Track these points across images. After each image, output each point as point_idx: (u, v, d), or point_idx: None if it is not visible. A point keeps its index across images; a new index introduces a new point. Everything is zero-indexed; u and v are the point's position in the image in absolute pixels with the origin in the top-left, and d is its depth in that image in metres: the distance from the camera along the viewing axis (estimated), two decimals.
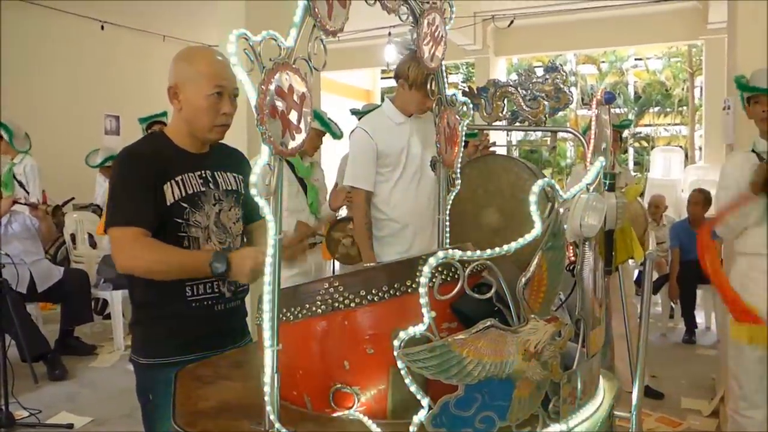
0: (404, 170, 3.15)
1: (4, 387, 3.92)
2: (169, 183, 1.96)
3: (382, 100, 15.92)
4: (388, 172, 3.15)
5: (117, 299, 5.81)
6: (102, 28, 8.99)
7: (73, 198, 7.66)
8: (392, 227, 3.19)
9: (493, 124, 3.26)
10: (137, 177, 1.95)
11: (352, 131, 3.26)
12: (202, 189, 2.02)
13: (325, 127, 4.19)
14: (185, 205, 1.97)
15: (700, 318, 6.39)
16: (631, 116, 19.73)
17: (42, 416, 4.12)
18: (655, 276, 6.40)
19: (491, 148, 3.85)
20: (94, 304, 6.23)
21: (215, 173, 2.08)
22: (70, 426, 4.07)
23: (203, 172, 2.05)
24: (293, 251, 2.78)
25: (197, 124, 2.00)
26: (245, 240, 2.19)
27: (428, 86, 2.06)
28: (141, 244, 1.89)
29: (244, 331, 2.18)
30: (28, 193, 6.48)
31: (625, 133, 19.44)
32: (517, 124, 3.19)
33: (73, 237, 7.32)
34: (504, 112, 3.17)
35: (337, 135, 4.36)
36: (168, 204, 1.95)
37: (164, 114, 6.15)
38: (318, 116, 4.09)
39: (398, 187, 3.16)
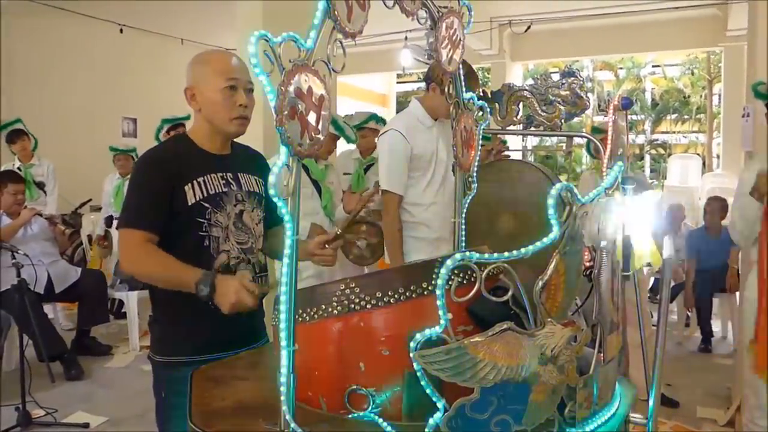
0: (434, 174, 3.14)
1: (21, 386, 3.95)
2: (190, 184, 1.98)
3: (398, 104, 15.85)
4: (419, 176, 3.13)
5: (133, 300, 5.85)
6: (121, 31, 9.07)
7: (90, 200, 7.75)
8: (421, 230, 3.18)
9: (508, 128, 3.25)
10: (150, 181, 2.00)
11: (384, 132, 3.21)
12: (224, 190, 2.05)
13: (339, 131, 4.19)
14: (207, 205, 2.00)
15: (716, 327, 6.33)
16: (648, 123, 19.61)
17: (58, 415, 4.15)
18: (672, 284, 6.35)
19: (505, 153, 3.85)
20: (111, 305, 6.28)
21: (238, 174, 2.11)
22: (86, 425, 4.10)
23: (225, 173, 2.07)
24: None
25: (216, 118, 2.03)
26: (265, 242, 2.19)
27: (446, 90, 2.06)
28: (144, 249, 1.93)
29: (262, 332, 2.18)
30: (45, 194, 6.57)
31: (641, 139, 19.25)
32: (532, 128, 3.18)
33: (90, 238, 7.39)
34: (518, 117, 3.16)
35: (351, 139, 4.35)
36: (189, 204, 1.97)
37: (188, 117, 6.18)
38: (332, 120, 4.09)
39: (428, 191, 3.15)
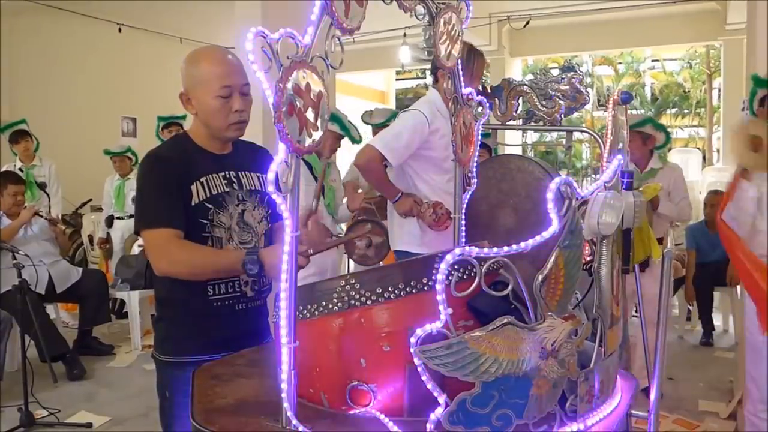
0: (452, 167, 3.12)
1: (23, 386, 3.96)
2: (195, 184, 1.97)
3: (397, 101, 15.76)
4: (435, 169, 3.12)
5: (134, 299, 5.86)
6: (119, 30, 9.06)
7: (90, 200, 7.76)
8: None
9: (508, 123, 3.25)
10: (166, 179, 1.97)
11: (407, 110, 3.18)
12: (226, 189, 2.03)
13: (344, 131, 4.18)
14: (210, 205, 1.98)
15: (717, 320, 6.33)
16: None
17: (61, 415, 4.16)
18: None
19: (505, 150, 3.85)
20: (112, 305, 6.29)
21: (239, 173, 2.09)
22: (89, 425, 4.11)
23: (227, 172, 2.06)
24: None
25: (212, 125, 2.01)
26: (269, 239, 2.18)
27: (445, 85, 2.06)
28: (176, 246, 1.90)
29: (266, 330, 2.16)
30: (48, 195, 6.58)
31: None
32: (532, 123, 3.18)
33: (90, 238, 7.40)
34: (518, 112, 3.16)
35: (355, 139, 4.34)
36: (193, 205, 1.96)
37: (184, 117, 6.19)
38: (338, 119, 4.09)
39: (447, 184, 3.13)
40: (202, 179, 2.00)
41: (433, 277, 1.32)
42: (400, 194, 3.14)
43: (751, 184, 3.05)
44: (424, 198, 3.16)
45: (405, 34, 9.77)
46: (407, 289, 1.36)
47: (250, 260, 1.81)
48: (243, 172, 2.10)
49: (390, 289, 1.36)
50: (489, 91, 3.21)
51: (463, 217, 2.21)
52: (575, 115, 3.27)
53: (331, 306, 1.40)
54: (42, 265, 5.10)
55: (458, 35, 1.91)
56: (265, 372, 1.70)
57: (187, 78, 2.00)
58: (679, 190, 4.45)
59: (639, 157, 4.47)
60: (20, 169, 6.54)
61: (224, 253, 1.94)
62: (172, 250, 1.90)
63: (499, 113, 3.21)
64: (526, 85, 3.14)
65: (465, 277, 1.31)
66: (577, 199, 1.26)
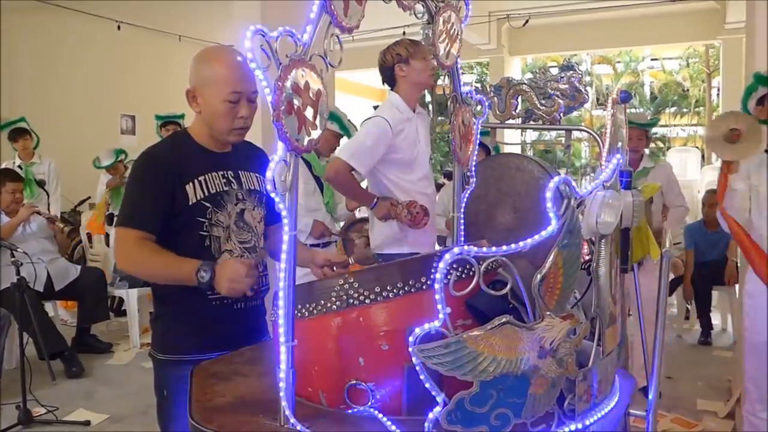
0: (419, 166, 3.14)
1: (22, 384, 3.95)
2: (191, 183, 1.97)
3: None
4: (403, 170, 3.12)
5: (133, 297, 5.85)
6: (118, 28, 9.04)
7: (89, 197, 7.75)
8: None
9: (507, 122, 3.25)
10: (149, 180, 1.98)
11: (370, 117, 3.15)
12: (225, 189, 2.03)
13: (343, 130, 4.18)
14: (207, 204, 1.98)
15: (716, 319, 6.33)
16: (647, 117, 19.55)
17: (59, 413, 4.15)
18: (671, 277, 6.35)
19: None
20: (111, 302, 6.28)
21: (239, 172, 2.09)
22: (87, 423, 4.10)
23: (226, 171, 2.05)
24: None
25: (215, 127, 2.00)
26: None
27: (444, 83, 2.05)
28: (138, 247, 1.92)
29: (263, 329, 2.17)
30: (47, 193, 6.57)
31: None
32: (531, 122, 3.18)
33: (89, 236, 7.38)
34: (517, 110, 3.16)
35: None
36: (190, 204, 1.96)
37: (182, 116, 6.18)
38: (337, 118, 4.08)
39: (417, 183, 3.15)
40: (200, 178, 1.99)
41: (432, 276, 1.32)
42: (376, 200, 3.15)
43: (739, 177, 3.07)
44: (398, 200, 3.15)
45: (404, 33, 9.75)
46: (406, 288, 1.36)
47: (204, 269, 1.83)
48: (242, 172, 2.10)
49: (388, 288, 1.36)
50: (488, 89, 3.21)
51: (462, 215, 2.21)
52: (574, 113, 3.28)
53: (329, 305, 1.40)
54: (40, 262, 5.09)
55: (457, 34, 1.91)
56: (264, 370, 1.70)
57: (197, 76, 1.98)
58: (672, 187, 4.45)
59: (637, 157, 4.47)
60: (19, 166, 6.52)
61: (182, 261, 1.91)
62: (132, 249, 1.93)
63: (498, 112, 3.22)
64: (525, 83, 3.14)
65: (464, 276, 1.31)
66: (575, 198, 1.26)
